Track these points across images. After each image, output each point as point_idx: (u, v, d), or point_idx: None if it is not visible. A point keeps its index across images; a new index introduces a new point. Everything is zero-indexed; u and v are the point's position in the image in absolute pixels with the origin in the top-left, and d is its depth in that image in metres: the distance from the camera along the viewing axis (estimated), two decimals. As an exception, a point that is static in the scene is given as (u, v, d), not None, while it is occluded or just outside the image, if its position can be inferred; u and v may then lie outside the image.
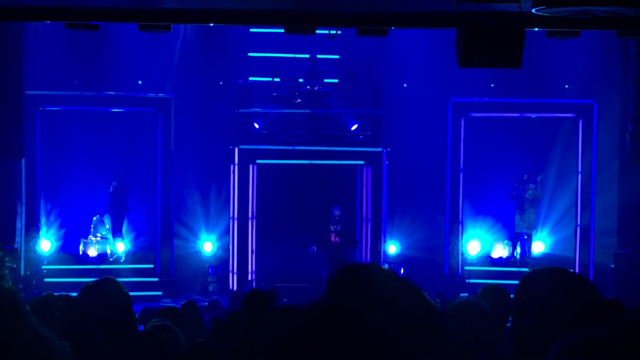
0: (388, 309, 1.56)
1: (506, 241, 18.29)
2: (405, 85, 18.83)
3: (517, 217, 17.95)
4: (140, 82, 18.06)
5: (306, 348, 1.55)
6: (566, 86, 18.41)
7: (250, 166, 17.51)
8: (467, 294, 13.82)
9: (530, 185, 17.83)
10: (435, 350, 1.55)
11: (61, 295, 2.72)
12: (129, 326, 3.44)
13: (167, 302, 15.48)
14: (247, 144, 17.55)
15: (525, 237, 18.06)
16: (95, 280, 3.53)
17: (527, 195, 17.86)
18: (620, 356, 2.10)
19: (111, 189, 17.88)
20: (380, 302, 1.57)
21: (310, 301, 1.66)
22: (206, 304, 12.86)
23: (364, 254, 17.47)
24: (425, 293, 1.65)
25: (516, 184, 17.86)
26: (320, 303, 1.62)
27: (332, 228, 16.53)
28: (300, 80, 18.19)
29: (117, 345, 3.32)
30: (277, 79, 18.03)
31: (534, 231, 18.15)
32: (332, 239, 16.38)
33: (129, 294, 3.46)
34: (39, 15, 11.80)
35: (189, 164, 18.38)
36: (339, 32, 11.25)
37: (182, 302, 10.42)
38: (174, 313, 7.38)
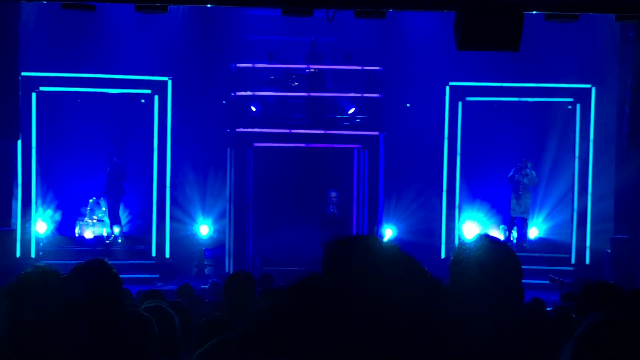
0: (385, 280, 1.53)
1: (502, 226, 18.29)
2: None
3: (514, 201, 17.97)
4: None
5: (301, 319, 1.52)
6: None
7: (247, 149, 17.47)
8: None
9: (527, 171, 17.83)
10: (435, 319, 1.53)
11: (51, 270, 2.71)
12: (116, 307, 3.44)
13: (163, 285, 15.46)
14: (244, 127, 17.50)
15: (522, 220, 18.09)
16: (85, 262, 3.54)
17: (524, 181, 17.88)
18: None
19: (107, 172, 17.85)
20: (377, 272, 1.55)
21: (303, 274, 1.63)
22: (206, 286, 12.75)
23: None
24: (423, 265, 1.62)
25: (519, 166, 17.88)
26: (316, 276, 1.59)
27: (328, 211, 16.53)
28: (298, 63, 18.13)
29: (105, 326, 3.31)
30: (275, 62, 17.98)
31: (529, 215, 18.19)
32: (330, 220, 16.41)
33: (118, 275, 3.47)
34: (34, -4, 11.74)
35: (186, 146, 18.33)
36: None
37: (178, 285, 10.44)
38: (159, 295, 7.37)
